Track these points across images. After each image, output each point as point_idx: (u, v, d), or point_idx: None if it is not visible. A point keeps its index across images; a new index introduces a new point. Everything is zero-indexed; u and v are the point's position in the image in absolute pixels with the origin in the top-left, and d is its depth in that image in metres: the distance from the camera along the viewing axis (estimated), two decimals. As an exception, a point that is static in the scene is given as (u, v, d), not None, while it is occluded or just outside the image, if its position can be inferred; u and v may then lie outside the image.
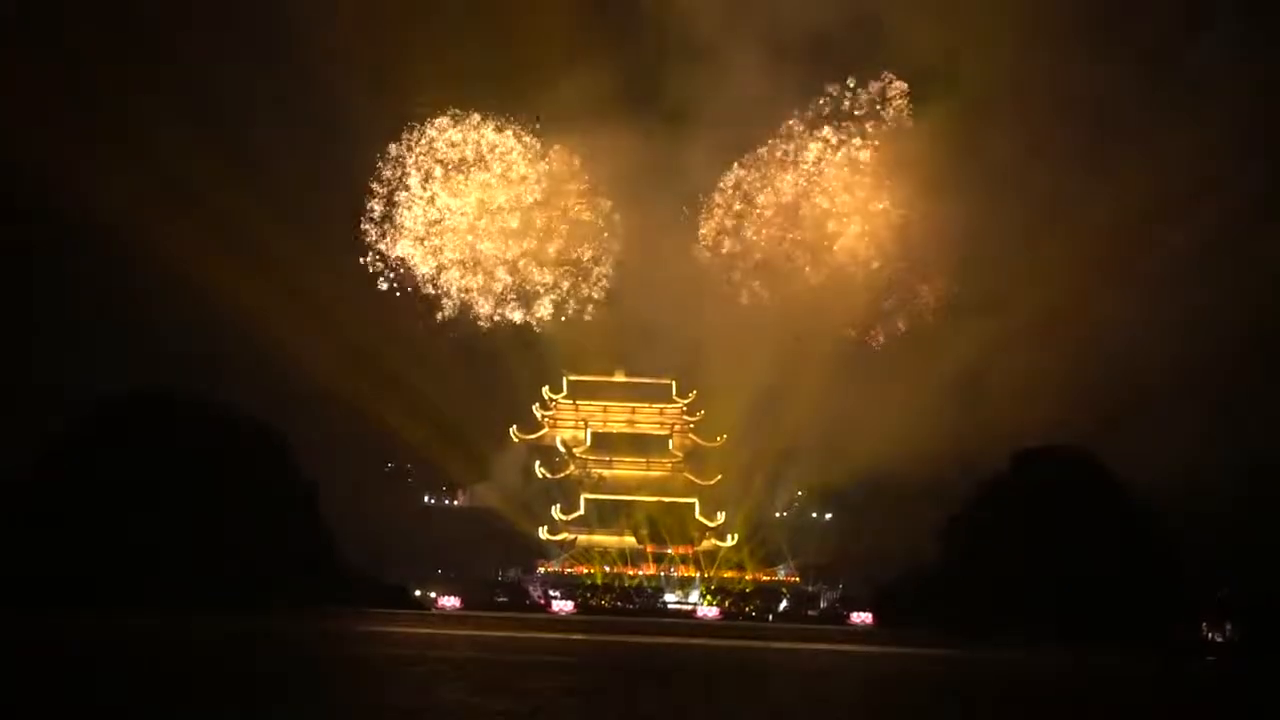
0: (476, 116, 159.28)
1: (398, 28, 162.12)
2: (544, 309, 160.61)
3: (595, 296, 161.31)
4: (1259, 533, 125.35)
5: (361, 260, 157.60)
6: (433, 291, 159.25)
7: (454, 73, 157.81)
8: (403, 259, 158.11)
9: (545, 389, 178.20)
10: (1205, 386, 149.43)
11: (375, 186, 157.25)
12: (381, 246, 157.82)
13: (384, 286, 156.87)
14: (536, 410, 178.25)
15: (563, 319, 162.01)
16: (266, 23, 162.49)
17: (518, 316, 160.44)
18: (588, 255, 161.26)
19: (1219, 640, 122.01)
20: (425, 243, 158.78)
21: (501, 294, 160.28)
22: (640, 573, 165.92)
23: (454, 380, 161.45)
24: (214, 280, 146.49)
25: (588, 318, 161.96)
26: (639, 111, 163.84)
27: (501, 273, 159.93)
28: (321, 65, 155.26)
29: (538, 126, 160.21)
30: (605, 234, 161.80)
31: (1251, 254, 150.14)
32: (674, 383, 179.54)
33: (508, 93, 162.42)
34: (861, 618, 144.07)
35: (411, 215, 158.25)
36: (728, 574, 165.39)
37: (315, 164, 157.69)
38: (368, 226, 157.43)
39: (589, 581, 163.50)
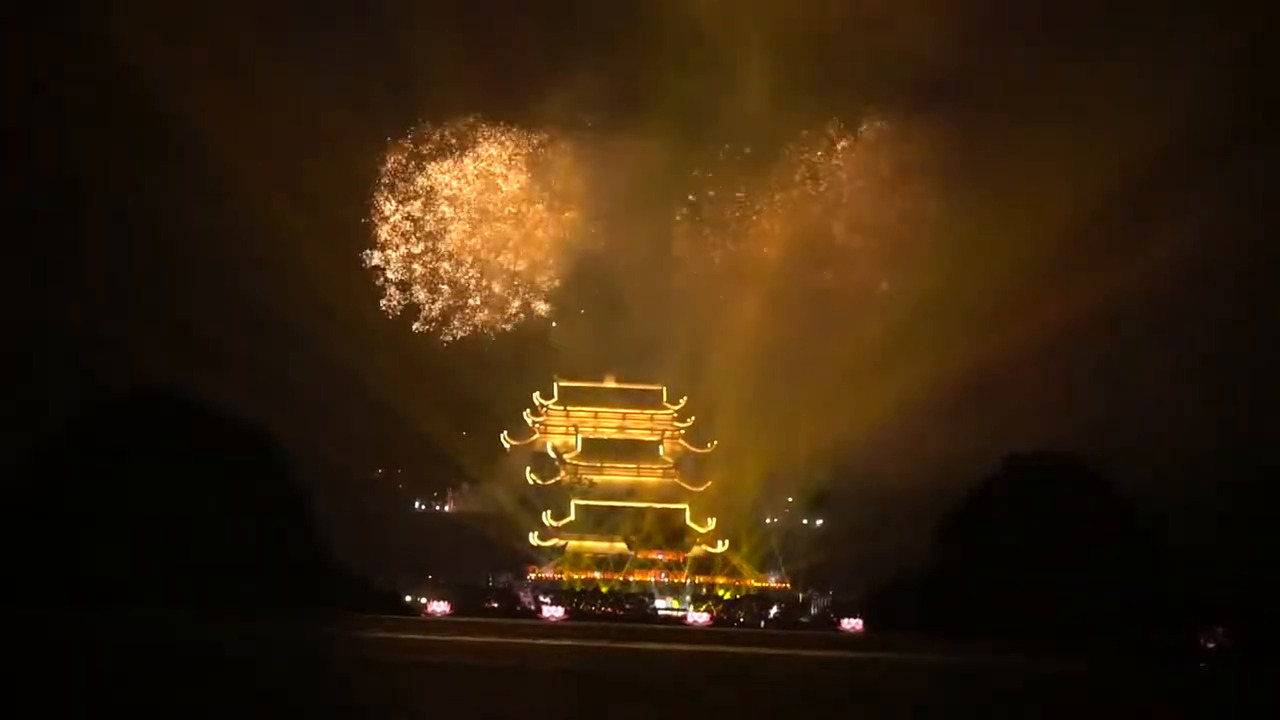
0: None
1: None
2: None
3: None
4: (1254, 538, 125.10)
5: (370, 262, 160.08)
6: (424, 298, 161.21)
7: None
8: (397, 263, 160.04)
9: (536, 395, 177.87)
10: (1200, 390, 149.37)
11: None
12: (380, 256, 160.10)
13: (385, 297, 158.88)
14: (527, 416, 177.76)
15: (553, 323, 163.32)
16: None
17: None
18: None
19: (1211, 645, 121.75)
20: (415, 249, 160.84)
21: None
22: (631, 579, 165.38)
23: (444, 385, 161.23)
24: (211, 281, 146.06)
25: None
26: (633, 118, 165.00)
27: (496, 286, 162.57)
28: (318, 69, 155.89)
29: None
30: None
31: (1250, 251, 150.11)
32: (665, 389, 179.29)
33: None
34: (852, 624, 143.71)
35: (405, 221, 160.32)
36: (719, 580, 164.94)
37: (301, 168, 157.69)
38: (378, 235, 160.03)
39: (579, 587, 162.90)
